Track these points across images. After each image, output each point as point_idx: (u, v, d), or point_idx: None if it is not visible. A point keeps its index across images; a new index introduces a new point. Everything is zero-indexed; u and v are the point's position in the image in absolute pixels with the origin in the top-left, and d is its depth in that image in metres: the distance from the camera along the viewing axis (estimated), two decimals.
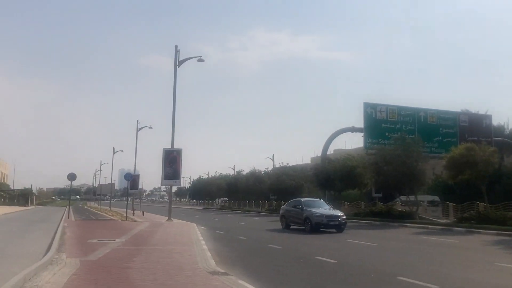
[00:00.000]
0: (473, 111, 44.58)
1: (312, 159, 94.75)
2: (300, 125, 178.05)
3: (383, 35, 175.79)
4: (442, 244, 16.60)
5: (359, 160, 34.49)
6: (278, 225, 24.85)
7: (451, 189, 37.10)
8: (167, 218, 30.34)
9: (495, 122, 44.92)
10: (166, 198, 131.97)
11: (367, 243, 16.75)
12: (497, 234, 19.73)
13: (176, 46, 31.18)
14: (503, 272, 10.12)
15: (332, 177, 35.01)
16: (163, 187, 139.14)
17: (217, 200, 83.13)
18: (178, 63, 30.79)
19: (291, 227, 23.44)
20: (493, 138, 41.88)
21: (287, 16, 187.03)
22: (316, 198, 52.25)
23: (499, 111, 76.65)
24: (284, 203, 50.73)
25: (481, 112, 44.17)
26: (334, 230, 21.17)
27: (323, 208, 23.01)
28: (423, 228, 24.58)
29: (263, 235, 21.22)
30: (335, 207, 38.87)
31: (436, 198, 40.37)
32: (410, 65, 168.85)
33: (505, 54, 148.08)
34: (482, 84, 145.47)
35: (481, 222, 22.57)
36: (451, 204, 28.43)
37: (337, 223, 21.28)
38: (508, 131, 47.21)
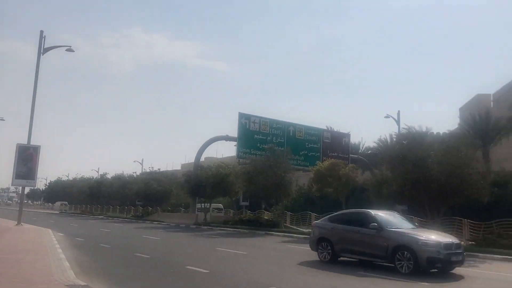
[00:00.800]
0: (336, 129, 48.55)
1: (183, 165, 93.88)
2: (173, 131, 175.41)
3: (258, 51, 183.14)
4: (309, 253, 17.27)
5: (232, 168, 34.84)
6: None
7: (312, 200, 39.62)
8: (16, 222, 26.94)
9: (353, 140, 49.62)
10: (16, 200, 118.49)
11: (237, 251, 16.70)
12: None
13: (41, 32, 28.15)
14: (365, 281, 10.72)
15: (204, 184, 34.72)
16: (12, 188, 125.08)
17: (57, 202, 79.67)
18: (43, 50, 27.80)
19: (342, 258, 13.85)
20: (350, 155, 46.01)
21: (166, 18, 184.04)
22: (184, 204, 51.37)
23: (355, 130, 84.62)
24: (152, 209, 49.57)
25: (343, 130, 48.33)
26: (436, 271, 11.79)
27: (414, 228, 13.47)
28: (289, 236, 25.57)
29: (129, 242, 19.88)
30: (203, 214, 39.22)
31: (220, 206, 45.10)
32: (282, 82, 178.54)
33: (360, 80, 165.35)
34: (343, 105, 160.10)
35: None
36: (313, 214, 30.08)
37: (460, 258, 11.97)
38: (362, 149, 52.38)
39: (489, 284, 11.00)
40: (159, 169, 64.67)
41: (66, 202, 79.69)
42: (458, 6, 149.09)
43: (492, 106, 50.14)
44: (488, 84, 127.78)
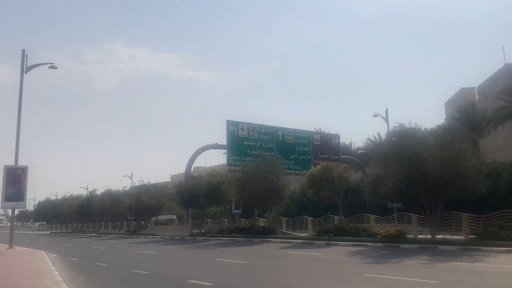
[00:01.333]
0: (326, 131, 48.49)
1: (172, 176, 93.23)
2: (160, 143, 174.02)
3: (240, 58, 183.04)
4: (309, 258, 17.05)
5: (224, 176, 34.47)
6: None
7: (305, 204, 39.43)
8: (7, 246, 26.22)
9: (343, 140, 49.69)
10: (5, 223, 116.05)
11: (237, 261, 16.38)
12: (353, 245, 21.15)
13: (23, 50, 27.61)
14: (374, 283, 10.47)
15: (197, 193, 34.27)
16: (1, 210, 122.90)
17: (36, 223, 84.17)
18: (25, 69, 27.25)
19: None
20: (341, 155, 45.99)
21: (147, 32, 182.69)
22: (177, 215, 51.31)
23: (344, 131, 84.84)
24: (145, 223, 49.06)
25: (332, 131, 48.31)
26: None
27: None
28: (286, 242, 25.30)
29: (126, 259, 19.44)
30: (197, 225, 38.91)
31: (174, 217, 45.66)
32: (268, 87, 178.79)
33: (346, 81, 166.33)
34: (331, 106, 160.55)
35: (338, 234, 24.06)
36: (309, 218, 29.90)
37: None
38: (353, 149, 52.49)
39: (501, 278, 10.84)
40: (149, 182, 63.98)
41: (45, 222, 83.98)
42: (439, 1, 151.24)
43: (477, 99, 50.69)
44: (471, 77, 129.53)
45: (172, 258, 19.69)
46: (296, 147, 43.30)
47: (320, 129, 49.28)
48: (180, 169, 79.59)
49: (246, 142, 39.93)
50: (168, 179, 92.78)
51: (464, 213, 20.14)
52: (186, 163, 41.53)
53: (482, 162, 20.15)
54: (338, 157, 44.77)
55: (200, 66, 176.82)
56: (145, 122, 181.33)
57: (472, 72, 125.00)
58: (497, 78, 46.80)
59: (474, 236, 18.58)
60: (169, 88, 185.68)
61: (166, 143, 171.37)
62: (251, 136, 40.45)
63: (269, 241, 26.60)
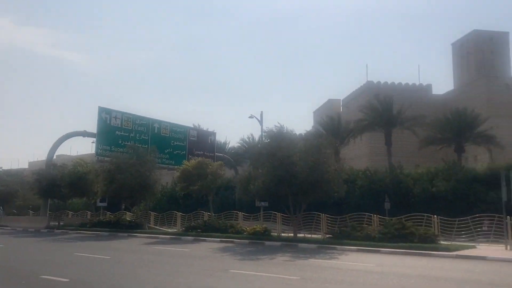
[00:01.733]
0: (204, 128, 48.59)
1: (30, 163, 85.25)
2: (19, 126, 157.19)
3: (118, 43, 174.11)
4: (175, 253, 16.84)
5: (91, 166, 32.36)
6: None
7: (175, 199, 39.06)
8: None
9: (219, 139, 50.32)
10: None
11: (99, 256, 15.50)
12: (221, 242, 21.47)
13: None
14: (238, 279, 10.70)
15: (59, 183, 31.64)
16: None
17: None
18: None
19: None
20: (216, 153, 46.51)
21: (12, 0, 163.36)
22: (34, 206, 47.04)
23: (221, 130, 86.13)
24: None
25: (210, 129, 48.62)
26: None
27: None
28: (153, 237, 24.71)
29: None
30: (56, 217, 35.97)
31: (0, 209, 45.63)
32: (145, 78, 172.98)
33: (226, 80, 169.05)
34: (209, 104, 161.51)
35: (206, 230, 24.28)
36: (179, 214, 29.61)
37: None
38: (227, 148, 53.48)
39: (352, 274, 11.86)
40: (1, 167, 57.44)
41: None
42: (316, 18, 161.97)
43: (341, 110, 55.47)
44: (339, 90, 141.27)
45: (24, 252, 17.86)
46: (172, 141, 42.60)
47: (198, 125, 49.36)
48: (40, 156, 73.20)
49: (118, 132, 38.06)
50: (25, 166, 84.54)
51: (323, 214, 21.81)
52: (48, 149, 38.16)
53: (341, 168, 22.01)
54: (212, 154, 45.11)
55: (71, 47, 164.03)
56: (2, 101, 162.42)
57: (339, 85, 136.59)
58: (360, 93, 51.84)
59: (330, 236, 20.19)
60: (33, 65, 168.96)
61: (26, 126, 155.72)
62: (124, 126, 38.67)
63: (136, 236, 25.74)
